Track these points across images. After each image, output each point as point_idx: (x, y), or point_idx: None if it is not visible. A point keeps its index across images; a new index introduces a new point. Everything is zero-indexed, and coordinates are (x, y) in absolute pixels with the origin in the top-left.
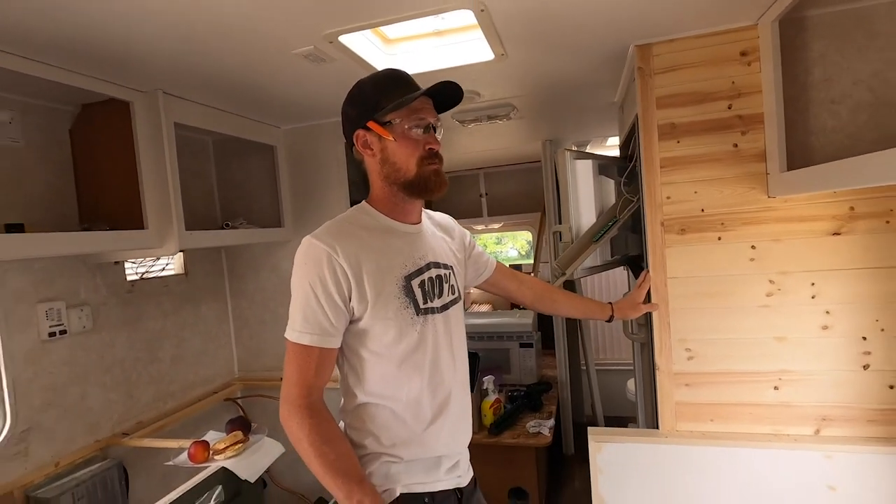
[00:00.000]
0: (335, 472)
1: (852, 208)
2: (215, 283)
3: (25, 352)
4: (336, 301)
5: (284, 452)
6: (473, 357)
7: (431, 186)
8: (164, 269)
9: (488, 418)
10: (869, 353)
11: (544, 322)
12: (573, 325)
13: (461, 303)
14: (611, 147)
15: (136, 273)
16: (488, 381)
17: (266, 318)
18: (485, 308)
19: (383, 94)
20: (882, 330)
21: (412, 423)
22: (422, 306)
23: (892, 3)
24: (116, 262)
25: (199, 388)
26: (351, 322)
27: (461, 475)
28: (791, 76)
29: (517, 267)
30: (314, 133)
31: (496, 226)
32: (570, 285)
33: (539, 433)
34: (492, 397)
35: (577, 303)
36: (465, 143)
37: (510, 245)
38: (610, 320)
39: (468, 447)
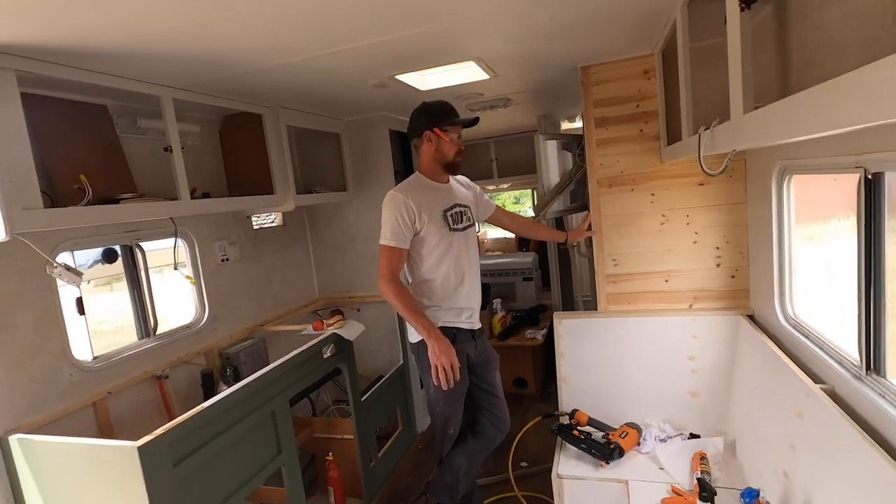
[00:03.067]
0: (414, 311)
1: (723, 162)
2: (301, 232)
3: (210, 271)
4: (407, 222)
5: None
6: (486, 287)
7: (456, 167)
8: (273, 222)
9: (497, 329)
10: (720, 256)
11: (543, 262)
12: (566, 265)
13: (475, 227)
14: None
15: (257, 224)
16: (497, 303)
17: (337, 256)
18: (497, 253)
19: (445, 114)
20: (727, 242)
21: (446, 289)
22: (451, 227)
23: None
24: (248, 217)
25: (296, 302)
26: (415, 235)
27: (474, 323)
28: (672, 85)
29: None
30: (367, 124)
31: (505, 185)
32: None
33: (534, 338)
34: (500, 314)
35: (545, 231)
36: (480, 121)
37: (528, 205)
38: (565, 242)
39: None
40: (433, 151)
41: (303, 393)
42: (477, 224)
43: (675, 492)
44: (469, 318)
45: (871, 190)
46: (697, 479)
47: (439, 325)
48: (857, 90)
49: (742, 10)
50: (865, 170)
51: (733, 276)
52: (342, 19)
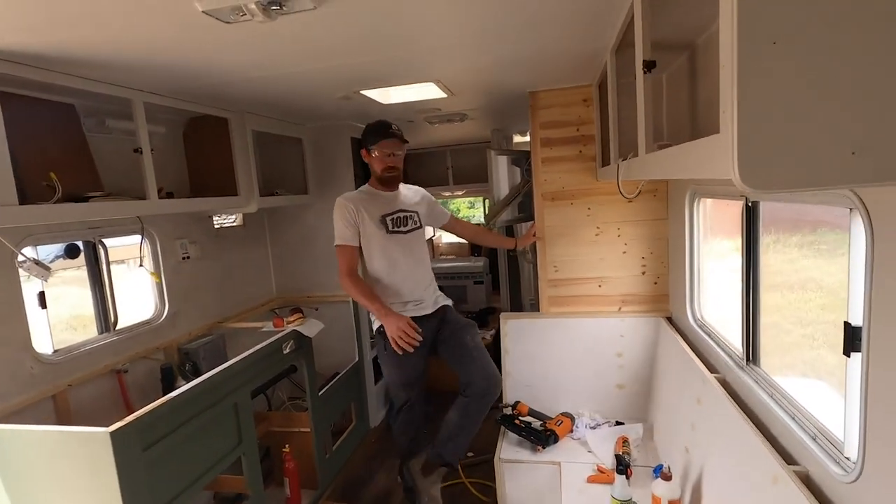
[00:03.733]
0: (369, 297)
1: (638, 188)
2: (261, 232)
3: (171, 268)
4: (349, 222)
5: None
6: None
7: (387, 182)
8: (233, 222)
9: None
10: (645, 265)
11: (494, 267)
12: (515, 270)
13: (421, 230)
14: None
15: (218, 224)
16: None
17: (296, 257)
18: (451, 257)
19: (373, 134)
20: (651, 253)
21: (387, 283)
22: (390, 229)
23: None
24: (209, 216)
25: (254, 300)
26: (360, 236)
27: (424, 309)
28: (606, 114)
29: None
30: (330, 130)
31: (460, 192)
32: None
33: (483, 338)
34: None
35: (495, 238)
36: (438, 132)
37: (481, 210)
38: (514, 249)
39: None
40: (370, 166)
41: (259, 389)
42: (426, 228)
43: (600, 470)
44: (416, 306)
45: (751, 215)
46: (615, 455)
47: None
48: (689, 154)
49: (644, 73)
50: (746, 198)
51: (656, 283)
52: (318, 43)
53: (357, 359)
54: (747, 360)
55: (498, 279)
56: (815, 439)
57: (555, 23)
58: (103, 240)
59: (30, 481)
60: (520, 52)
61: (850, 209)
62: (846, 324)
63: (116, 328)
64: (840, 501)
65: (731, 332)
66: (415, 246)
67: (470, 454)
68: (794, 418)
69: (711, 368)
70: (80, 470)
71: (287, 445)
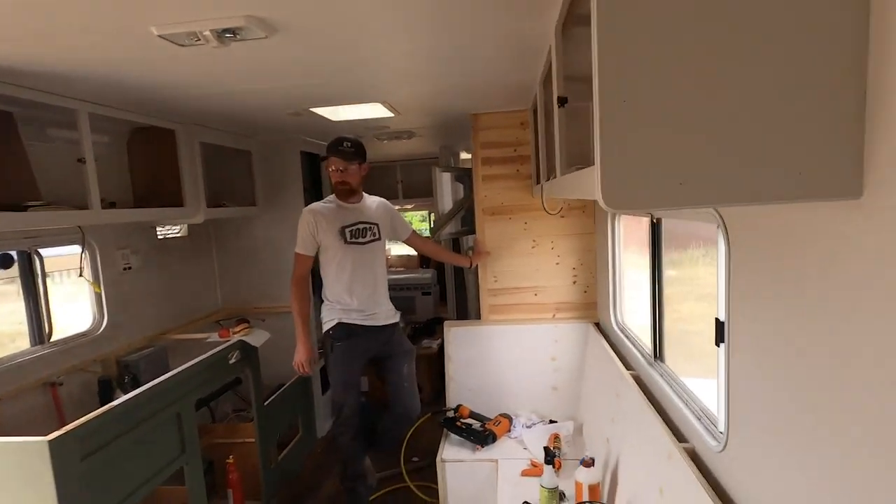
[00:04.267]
0: (298, 315)
1: (568, 205)
2: (206, 243)
3: (111, 279)
4: (310, 234)
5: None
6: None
7: (341, 193)
8: (178, 232)
9: None
10: (576, 276)
11: (441, 278)
12: (461, 281)
13: (381, 242)
14: None
15: (161, 234)
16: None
17: (243, 268)
18: (400, 269)
19: (328, 149)
20: (581, 264)
21: (341, 291)
22: (348, 240)
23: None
24: (152, 227)
25: (199, 312)
26: (318, 246)
27: (376, 321)
28: (538, 136)
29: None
30: (280, 144)
31: (409, 206)
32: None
33: (430, 347)
34: None
35: (452, 256)
36: (387, 148)
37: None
38: (471, 265)
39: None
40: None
41: (203, 401)
42: (386, 240)
43: (533, 464)
44: (368, 316)
45: (655, 230)
46: (544, 448)
47: (338, 320)
48: (581, 178)
49: (559, 106)
50: (652, 215)
51: (585, 292)
52: (269, 66)
53: None
54: (655, 357)
55: (445, 291)
56: (699, 419)
57: (489, 57)
58: (39, 250)
59: None
60: (460, 79)
61: (717, 226)
62: (716, 320)
63: (51, 340)
64: (714, 469)
65: (645, 334)
66: (372, 257)
67: (415, 458)
68: (686, 403)
69: (628, 366)
70: (15, 480)
71: (231, 456)
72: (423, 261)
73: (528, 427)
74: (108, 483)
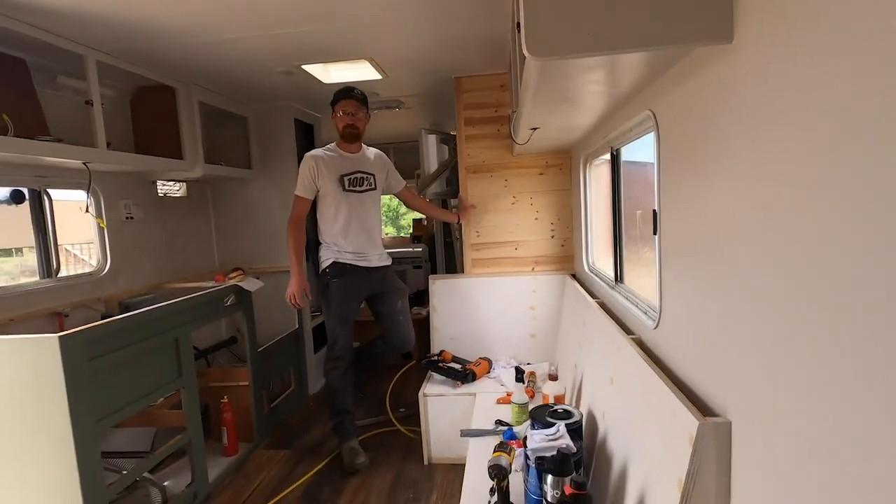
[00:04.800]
0: (292, 252)
1: (546, 162)
2: (204, 205)
3: (115, 226)
4: (310, 178)
5: (261, 293)
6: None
7: (347, 137)
8: (178, 192)
9: None
10: (554, 230)
11: (432, 254)
12: (451, 254)
13: (376, 191)
14: None
15: (162, 192)
16: None
17: (238, 230)
18: (394, 248)
19: (336, 96)
20: (559, 219)
21: (337, 234)
22: (346, 188)
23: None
24: (153, 182)
25: (196, 269)
26: (317, 190)
27: (369, 263)
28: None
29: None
30: (275, 111)
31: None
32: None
33: (419, 314)
34: None
35: (440, 211)
36: (380, 124)
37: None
38: (459, 221)
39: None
40: (336, 125)
41: (201, 353)
42: (380, 189)
43: (508, 394)
44: (360, 258)
45: (615, 161)
46: (515, 367)
47: (333, 259)
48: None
49: (517, 32)
50: (612, 148)
51: (563, 245)
52: (264, 8)
53: (297, 326)
54: (616, 280)
55: (436, 265)
56: (645, 313)
57: (464, 8)
58: (48, 190)
59: None
60: (438, 33)
61: (651, 125)
62: (654, 211)
63: (58, 276)
64: (652, 344)
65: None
66: (367, 205)
67: (402, 409)
68: (636, 305)
69: (594, 296)
70: (29, 374)
71: (225, 397)
72: (415, 237)
73: (506, 368)
74: (112, 386)
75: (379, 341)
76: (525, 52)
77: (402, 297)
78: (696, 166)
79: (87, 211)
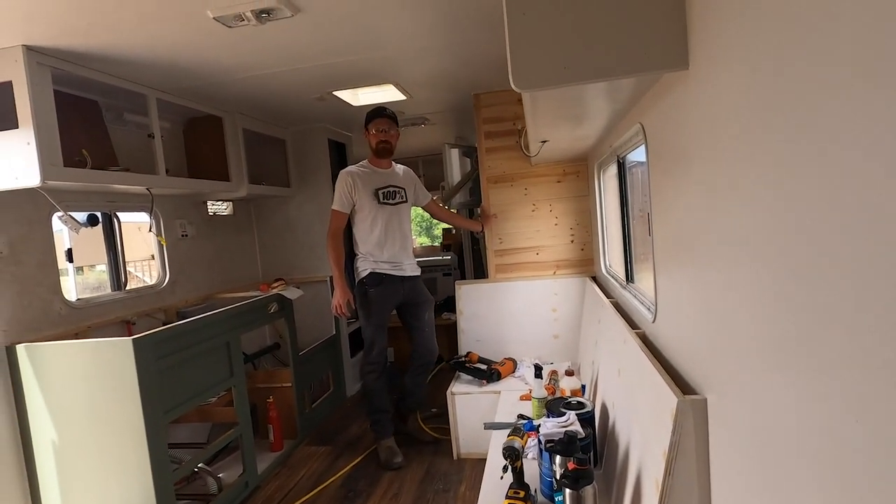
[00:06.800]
0: (334, 263)
1: (563, 170)
2: (248, 221)
3: (172, 243)
4: (347, 193)
5: (301, 304)
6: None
7: (380, 152)
8: (224, 210)
9: None
10: (573, 235)
11: (461, 263)
12: (479, 261)
13: (407, 203)
14: None
15: (212, 211)
16: None
17: (279, 243)
18: (424, 256)
19: (370, 116)
20: (578, 224)
21: (373, 244)
22: (381, 201)
23: None
24: (203, 202)
25: (242, 281)
26: (353, 204)
27: (403, 271)
28: None
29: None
30: (310, 133)
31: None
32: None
33: (449, 319)
34: None
35: (464, 221)
36: (408, 140)
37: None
38: (481, 228)
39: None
40: (368, 144)
41: (248, 357)
42: (411, 202)
43: (531, 391)
44: (395, 267)
45: (622, 168)
46: (534, 364)
47: (371, 270)
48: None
49: None
50: (619, 156)
51: (582, 249)
52: (296, 45)
53: (334, 332)
54: (627, 280)
55: (464, 273)
56: (648, 309)
57: (479, 33)
58: (118, 213)
59: (63, 388)
60: (458, 56)
61: (641, 138)
62: (648, 215)
63: (126, 288)
64: (652, 336)
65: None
66: (400, 216)
67: (433, 409)
68: (642, 303)
69: (608, 295)
70: (106, 374)
71: (271, 397)
72: (445, 246)
73: (529, 368)
74: (175, 383)
75: (409, 370)
76: (512, 85)
77: (430, 308)
78: (673, 175)
79: (150, 230)
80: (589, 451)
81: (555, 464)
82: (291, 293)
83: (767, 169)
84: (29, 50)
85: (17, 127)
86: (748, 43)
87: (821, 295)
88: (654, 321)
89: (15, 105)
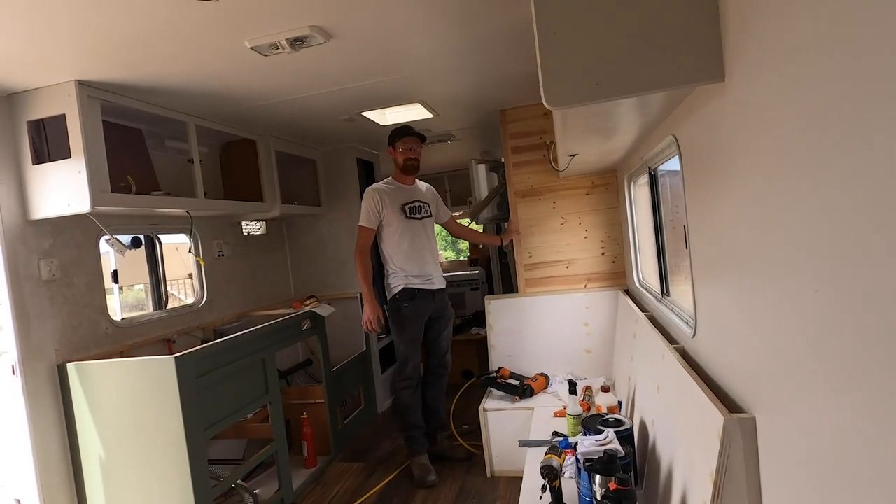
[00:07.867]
0: (363, 280)
1: (592, 182)
2: (280, 239)
3: (209, 263)
4: (374, 209)
5: (331, 322)
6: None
7: (407, 169)
8: (258, 230)
9: None
10: (604, 248)
11: (489, 277)
12: (507, 276)
13: (432, 218)
14: None
15: (246, 231)
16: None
17: (310, 261)
18: (452, 271)
19: (397, 134)
20: (608, 237)
21: (403, 259)
22: (408, 216)
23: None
24: (238, 223)
25: (275, 298)
26: (381, 220)
27: (433, 284)
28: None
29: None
30: (339, 153)
31: (458, 213)
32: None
33: (478, 333)
34: None
35: (483, 236)
36: (434, 155)
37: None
38: (503, 243)
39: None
40: (394, 161)
41: (282, 374)
42: (434, 217)
43: (565, 408)
44: (425, 281)
45: (653, 180)
46: (567, 381)
47: (403, 286)
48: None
49: None
50: (650, 168)
51: (614, 262)
52: (327, 70)
53: (364, 348)
54: (662, 294)
55: (492, 287)
56: (687, 323)
57: (504, 51)
58: (159, 235)
59: (110, 405)
60: (483, 74)
61: (675, 150)
62: (684, 227)
63: (167, 308)
64: (692, 351)
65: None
66: (426, 230)
67: (465, 426)
68: (678, 316)
69: (643, 309)
70: (150, 390)
71: (305, 413)
72: (472, 260)
73: (563, 383)
74: (214, 399)
75: (427, 389)
76: (545, 103)
77: (451, 322)
78: (710, 187)
79: (189, 251)
80: (629, 470)
81: (594, 483)
82: (323, 310)
83: (821, 183)
84: (81, 84)
85: (69, 157)
86: (787, 56)
87: (893, 313)
88: (693, 336)
89: (68, 136)
